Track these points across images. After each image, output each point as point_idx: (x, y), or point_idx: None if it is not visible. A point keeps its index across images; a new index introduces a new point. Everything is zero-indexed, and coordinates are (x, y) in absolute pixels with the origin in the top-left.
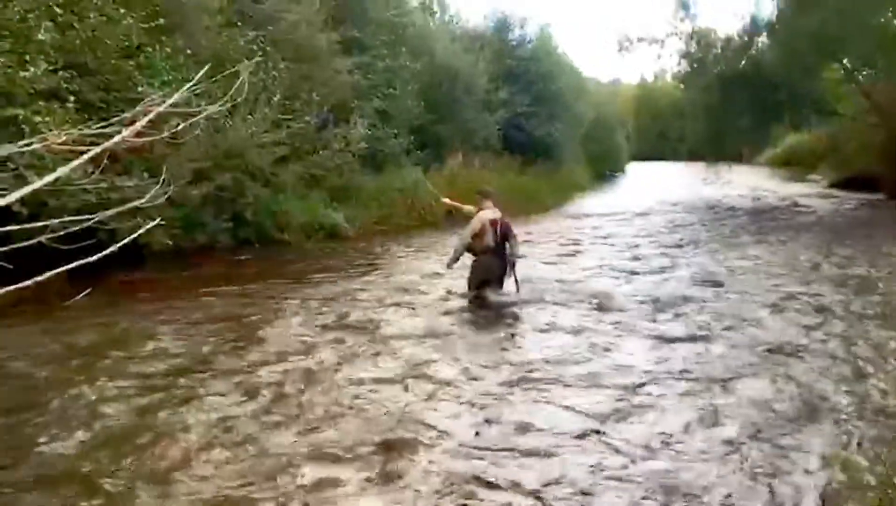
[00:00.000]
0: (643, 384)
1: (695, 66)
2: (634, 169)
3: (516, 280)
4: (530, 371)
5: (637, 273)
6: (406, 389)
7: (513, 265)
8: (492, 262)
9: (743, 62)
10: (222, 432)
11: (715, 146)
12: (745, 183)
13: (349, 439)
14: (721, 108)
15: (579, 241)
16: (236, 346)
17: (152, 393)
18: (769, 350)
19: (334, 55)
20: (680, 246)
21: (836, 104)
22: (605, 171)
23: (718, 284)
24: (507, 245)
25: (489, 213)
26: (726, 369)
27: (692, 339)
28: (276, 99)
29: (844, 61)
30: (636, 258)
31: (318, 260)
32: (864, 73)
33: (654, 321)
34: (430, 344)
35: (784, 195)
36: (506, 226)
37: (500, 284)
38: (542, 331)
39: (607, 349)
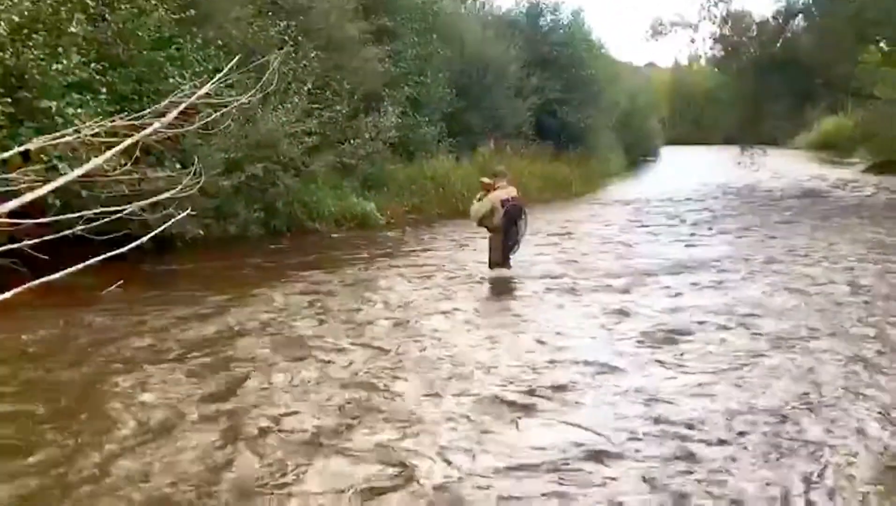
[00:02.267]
0: None
1: (729, 50)
2: (668, 154)
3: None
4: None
5: (701, 270)
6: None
7: (517, 242)
8: (497, 240)
9: (778, 45)
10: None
11: (750, 130)
12: (781, 167)
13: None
14: (756, 92)
15: (613, 232)
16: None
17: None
18: None
19: (365, 44)
20: (731, 233)
21: (873, 87)
22: (638, 157)
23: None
24: (517, 225)
25: (501, 193)
26: None
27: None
28: (306, 88)
29: (882, 44)
30: (689, 244)
31: (350, 248)
32: None
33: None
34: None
35: (826, 179)
36: (515, 206)
37: (505, 259)
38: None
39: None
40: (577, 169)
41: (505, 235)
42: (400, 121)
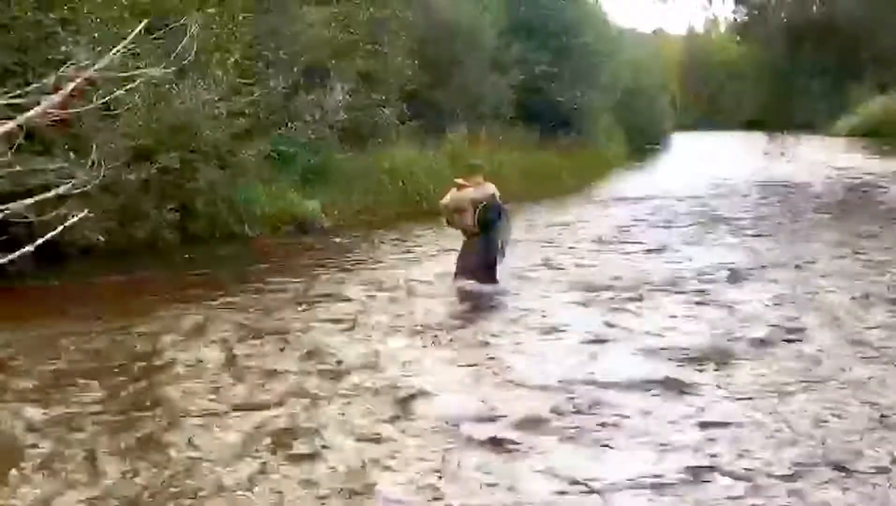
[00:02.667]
0: None
1: (754, 14)
2: (680, 142)
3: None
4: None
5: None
6: None
7: (500, 249)
8: (472, 246)
9: (815, 9)
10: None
11: (780, 113)
12: (818, 159)
13: None
14: (787, 66)
15: (611, 234)
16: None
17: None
18: None
19: (306, 4)
20: (760, 238)
21: None
22: (644, 145)
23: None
24: (495, 227)
25: (473, 190)
26: None
27: None
28: (233, 59)
29: None
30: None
31: (284, 259)
32: None
33: None
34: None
35: (872, 172)
36: (490, 204)
37: (485, 272)
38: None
39: None
40: (569, 160)
41: (482, 241)
42: (350, 100)
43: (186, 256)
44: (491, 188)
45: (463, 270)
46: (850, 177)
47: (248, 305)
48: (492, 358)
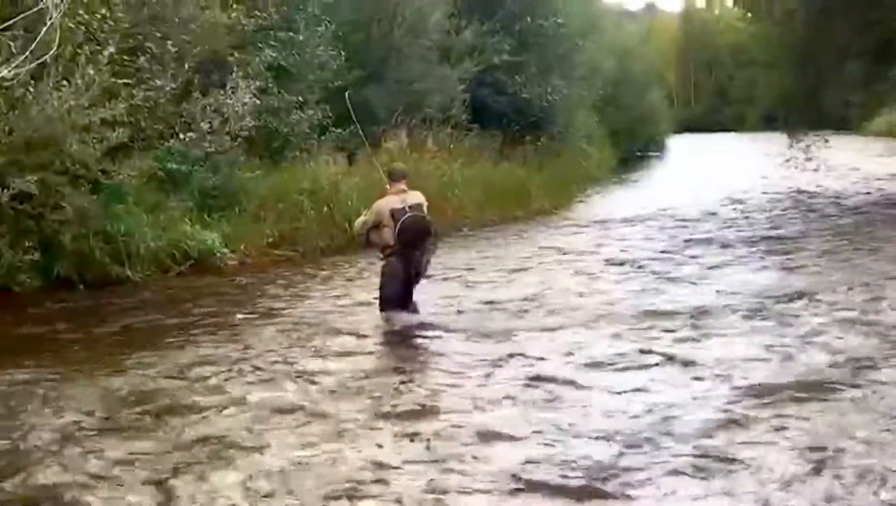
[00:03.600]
0: None
1: None
2: (680, 145)
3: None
4: None
5: None
6: None
7: (418, 274)
8: (396, 268)
9: None
10: None
11: (804, 108)
12: (858, 166)
13: None
14: (811, 48)
15: (587, 272)
16: None
17: None
18: None
19: None
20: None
21: None
22: (634, 150)
23: None
24: (421, 246)
25: (394, 199)
26: None
27: None
28: (107, 54)
29: None
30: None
31: (178, 307)
32: None
33: None
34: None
35: None
36: (416, 218)
37: (401, 299)
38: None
39: None
40: (540, 172)
41: (404, 260)
42: (258, 102)
43: (53, 304)
44: (417, 197)
45: (389, 300)
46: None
47: (114, 386)
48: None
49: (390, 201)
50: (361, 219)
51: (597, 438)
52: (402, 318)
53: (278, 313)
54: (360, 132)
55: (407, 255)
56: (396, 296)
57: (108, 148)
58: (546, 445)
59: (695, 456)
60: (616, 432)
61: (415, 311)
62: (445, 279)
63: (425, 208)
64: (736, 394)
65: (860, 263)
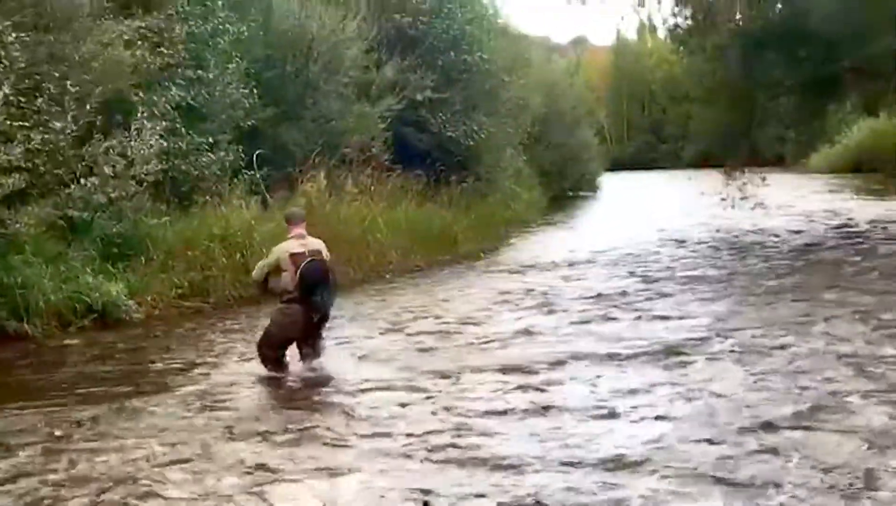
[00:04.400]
0: None
1: (700, 17)
2: (614, 184)
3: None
4: None
5: None
6: None
7: (322, 319)
8: (294, 315)
9: (779, 7)
10: None
11: (739, 145)
12: (791, 204)
13: None
14: (746, 83)
15: (512, 323)
16: None
17: None
18: None
19: (102, 17)
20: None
21: None
22: (565, 190)
23: None
24: (319, 294)
25: (293, 243)
26: None
27: None
28: (2, 95)
29: None
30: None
31: (79, 367)
32: None
33: None
34: None
35: (866, 223)
36: (314, 264)
37: (310, 345)
38: None
39: None
40: (466, 214)
41: (304, 306)
42: (165, 144)
43: None
44: (316, 243)
45: (273, 346)
46: (836, 227)
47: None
48: None
49: (290, 245)
50: (261, 263)
51: None
52: (291, 369)
53: (183, 372)
54: (262, 189)
55: (307, 300)
56: (287, 341)
57: (3, 195)
58: None
59: None
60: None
61: (318, 353)
62: (357, 325)
63: (325, 254)
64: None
65: (787, 304)
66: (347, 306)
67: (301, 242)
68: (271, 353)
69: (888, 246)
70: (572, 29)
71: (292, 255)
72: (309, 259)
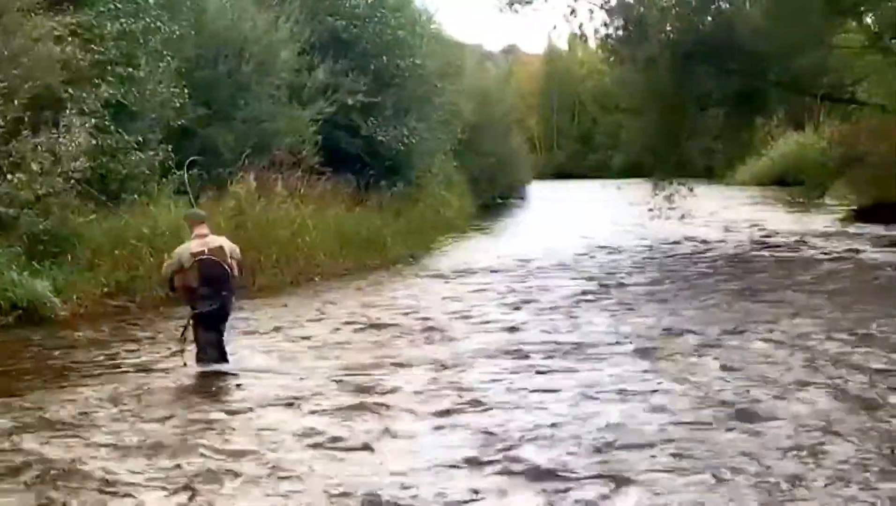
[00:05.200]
0: None
1: (631, 29)
2: (543, 193)
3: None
4: None
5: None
6: None
7: (222, 318)
8: (208, 315)
9: (708, 21)
10: None
11: (667, 156)
12: (717, 214)
13: None
14: (675, 95)
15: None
16: None
17: None
18: None
19: (32, 12)
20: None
21: (856, 86)
22: (495, 197)
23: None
24: (224, 289)
25: (195, 243)
26: None
27: None
28: None
29: (868, 19)
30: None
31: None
32: None
33: None
34: None
35: (776, 234)
36: (212, 261)
37: (217, 345)
38: None
39: None
40: (396, 219)
41: (210, 303)
42: (95, 142)
43: None
44: (219, 241)
45: (206, 348)
46: (758, 240)
47: None
48: None
49: (191, 245)
50: (166, 263)
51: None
52: (224, 367)
53: (107, 369)
54: (191, 199)
55: (211, 297)
56: (216, 341)
57: None
58: None
59: None
60: None
61: (222, 354)
62: (277, 330)
63: (228, 251)
64: None
65: (708, 310)
66: (276, 306)
67: (202, 242)
68: (202, 354)
69: (798, 253)
70: (504, 37)
71: (192, 253)
72: (206, 256)
